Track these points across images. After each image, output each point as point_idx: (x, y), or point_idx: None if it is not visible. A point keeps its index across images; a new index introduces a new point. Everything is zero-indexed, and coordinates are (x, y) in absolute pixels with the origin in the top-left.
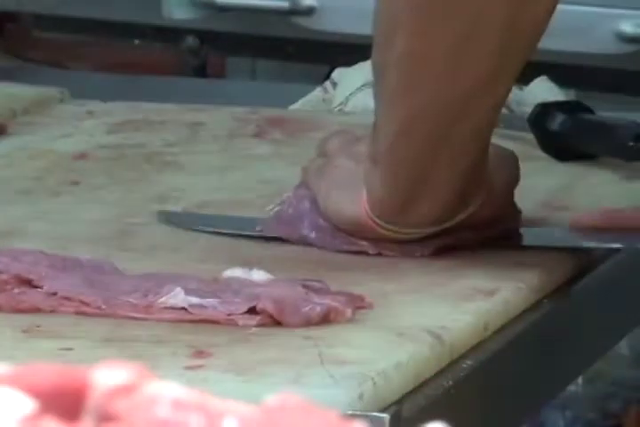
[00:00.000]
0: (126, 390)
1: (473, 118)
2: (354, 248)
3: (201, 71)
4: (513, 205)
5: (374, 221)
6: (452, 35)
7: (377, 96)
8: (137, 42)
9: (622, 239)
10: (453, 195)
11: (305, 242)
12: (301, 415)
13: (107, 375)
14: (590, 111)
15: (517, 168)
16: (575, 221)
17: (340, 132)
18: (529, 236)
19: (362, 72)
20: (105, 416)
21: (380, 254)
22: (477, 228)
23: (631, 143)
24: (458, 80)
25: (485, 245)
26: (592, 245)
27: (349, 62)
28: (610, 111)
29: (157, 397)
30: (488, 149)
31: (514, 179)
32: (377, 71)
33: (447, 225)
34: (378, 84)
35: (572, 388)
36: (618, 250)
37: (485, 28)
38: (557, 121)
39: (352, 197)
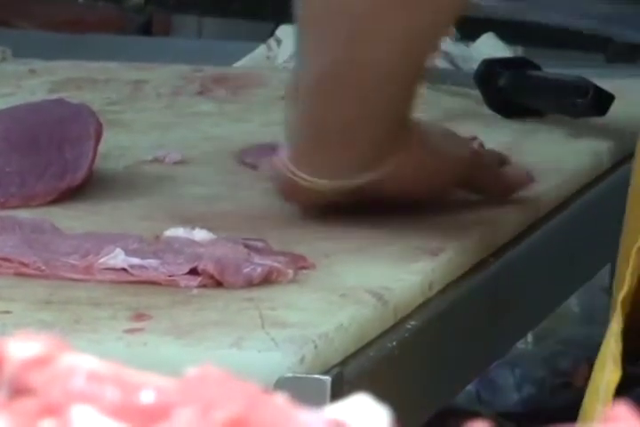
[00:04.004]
0: (41, 362)
1: (399, 79)
2: None
3: (146, 29)
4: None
5: (291, 171)
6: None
7: (299, 47)
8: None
9: None
10: (368, 146)
11: None
12: (220, 388)
13: (21, 347)
14: (537, 68)
15: (467, 154)
16: None
17: None
18: None
19: None
20: (19, 389)
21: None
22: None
23: (578, 100)
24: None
25: (432, 202)
26: None
27: (294, 20)
28: (556, 68)
29: (73, 369)
30: (411, 108)
31: (460, 161)
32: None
33: (360, 181)
34: (301, 37)
35: (521, 346)
36: (565, 206)
37: None
38: (503, 78)
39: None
